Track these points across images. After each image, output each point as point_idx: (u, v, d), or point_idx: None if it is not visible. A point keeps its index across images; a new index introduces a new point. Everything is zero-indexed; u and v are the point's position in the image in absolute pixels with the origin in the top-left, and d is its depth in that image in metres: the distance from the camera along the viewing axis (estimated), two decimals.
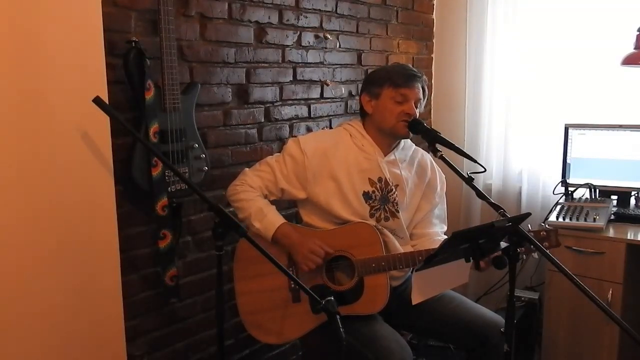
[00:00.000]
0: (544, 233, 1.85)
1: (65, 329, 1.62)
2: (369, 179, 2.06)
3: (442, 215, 2.24)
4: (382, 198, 2.07)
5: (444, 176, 2.24)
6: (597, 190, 2.75)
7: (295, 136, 2.18)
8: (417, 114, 2.04)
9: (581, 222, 2.48)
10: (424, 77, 2.08)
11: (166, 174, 1.91)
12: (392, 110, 2.01)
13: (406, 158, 2.15)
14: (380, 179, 2.06)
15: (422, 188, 2.17)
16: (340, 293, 1.98)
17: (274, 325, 2.03)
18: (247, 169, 2.10)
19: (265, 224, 1.98)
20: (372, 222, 2.04)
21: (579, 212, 2.56)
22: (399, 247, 2.06)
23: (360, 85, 2.21)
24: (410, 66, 2.15)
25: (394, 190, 2.07)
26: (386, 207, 2.07)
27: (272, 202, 2.07)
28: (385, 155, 2.09)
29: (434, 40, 3.50)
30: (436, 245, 2.03)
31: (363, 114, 2.12)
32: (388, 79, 2.03)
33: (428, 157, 2.22)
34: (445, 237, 2.18)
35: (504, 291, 2.85)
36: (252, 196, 2.01)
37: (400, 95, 2.01)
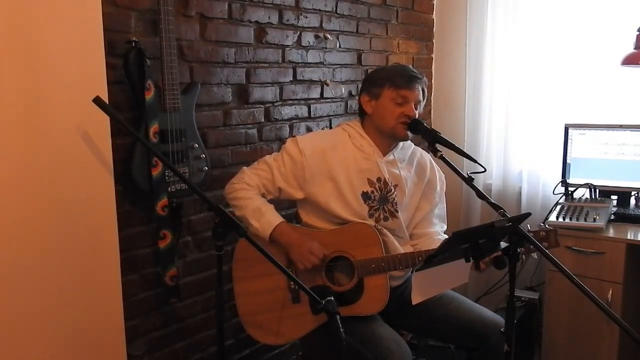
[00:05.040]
0: (544, 233, 1.85)
1: (65, 329, 1.62)
2: (368, 179, 2.06)
3: (442, 214, 2.24)
4: (381, 198, 2.07)
5: (443, 176, 2.24)
6: (597, 190, 2.76)
7: (294, 136, 2.18)
8: (417, 116, 2.03)
9: (581, 222, 2.48)
10: (424, 78, 2.07)
11: (166, 174, 1.91)
12: (392, 112, 2.01)
13: (405, 158, 2.15)
14: (379, 179, 2.06)
15: (421, 188, 2.17)
16: (340, 294, 1.98)
17: (274, 325, 2.02)
18: (245, 167, 2.09)
19: (262, 223, 1.97)
20: (372, 222, 2.04)
21: (579, 212, 2.56)
22: (398, 247, 2.06)
23: (360, 85, 2.21)
24: (411, 67, 2.15)
25: (393, 190, 2.07)
26: (385, 207, 2.07)
27: (271, 202, 2.07)
28: (384, 156, 2.09)
29: (434, 40, 3.50)
30: (436, 245, 2.03)
31: (362, 114, 2.12)
32: (388, 79, 2.02)
33: (427, 156, 2.22)
34: (446, 236, 2.18)
35: (504, 291, 2.85)
36: (250, 194, 2.01)
37: (401, 96, 2.01)
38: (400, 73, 2.03)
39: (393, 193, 2.07)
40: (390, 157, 2.10)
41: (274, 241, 1.98)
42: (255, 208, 1.98)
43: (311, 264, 1.94)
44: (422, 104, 2.07)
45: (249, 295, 2.04)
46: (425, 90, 2.08)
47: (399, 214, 2.08)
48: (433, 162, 2.22)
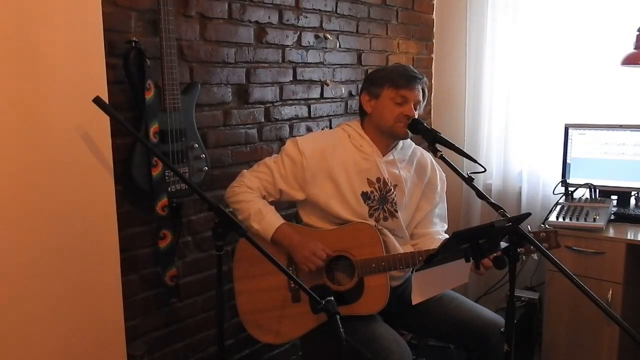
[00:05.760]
0: (544, 234, 1.85)
1: (65, 329, 1.62)
2: (368, 179, 2.06)
3: (442, 214, 2.24)
4: (380, 198, 2.07)
5: (444, 175, 2.24)
6: (597, 190, 2.76)
7: (293, 137, 2.18)
8: (416, 116, 2.03)
9: (581, 222, 2.48)
10: (425, 78, 2.07)
11: (166, 174, 1.91)
12: (391, 111, 2.01)
13: (405, 158, 2.15)
14: (378, 179, 2.06)
15: (421, 187, 2.17)
16: (340, 293, 1.98)
17: (274, 325, 2.03)
18: (245, 170, 2.10)
19: (263, 226, 1.97)
20: (372, 222, 2.04)
21: (579, 212, 2.56)
22: (398, 247, 2.06)
23: (360, 85, 2.21)
24: (411, 67, 2.15)
25: (392, 190, 2.07)
26: (385, 207, 2.07)
27: (271, 203, 2.07)
28: (383, 156, 2.09)
29: (434, 40, 3.50)
30: (437, 244, 2.03)
31: (362, 113, 2.12)
32: (389, 79, 2.02)
33: (428, 156, 2.22)
34: (446, 236, 2.18)
35: (504, 291, 2.85)
36: (251, 197, 2.01)
37: (400, 96, 2.01)
38: (401, 73, 2.03)
39: (392, 193, 2.07)
40: (389, 157, 2.10)
41: (276, 243, 1.98)
42: (256, 210, 1.98)
43: (315, 266, 1.95)
44: (423, 104, 2.07)
45: (249, 294, 2.04)
46: (426, 90, 2.08)
47: (398, 214, 2.08)
48: (434, 161, 2.22)
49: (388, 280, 1.98)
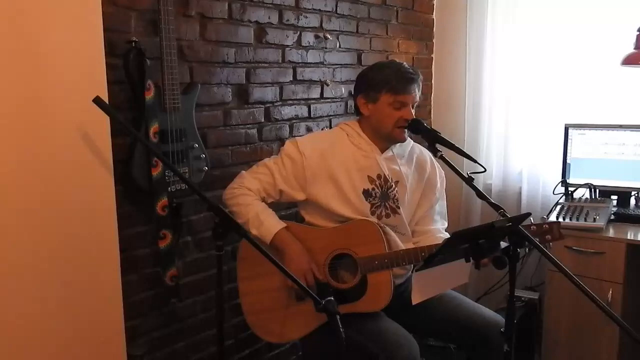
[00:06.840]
0: (547, 226, 1.85)
1: (65, 329, 1.62)
2: (368, 176, 2.06)
3: (442, 211, 2.25)
4: (382, 195, 2.07)
5: (443, 172, 2.24)
6: (597, 190, 2.75)
7: (293, 137, 2.18)
8: (414, 116, 2.04)
9: (581, 222, 2.48)
10: (420, 76, 2.07)
11: (166, 174, 1.91)
12: (390, 116, 2.01)
13: (404, 154, 2.15)
14: (379, 176, 2.06)
15: (422, 185, 2.17)
16: (343, 291, 1.98)
17: (277, 324, 2.02)
18: (244, 171, 2.09)
19: (262, 232, 1.97)
20: (374, 219, 2.04)
21: (579, 212, 2.56)
22: (400, 244, 2.06)
23: (355, 84, 2.18)
24: (406, 65, 2.09)
25: (394, 186, 2.07)
26: (387, 203, 2.07)
27: (271, 204, 2.07)
28: (382, 152, 2.09)
29: (434, 40, 3.50)
30: (438, 242, 2.03)
31: (358, 114, 2.12)
32: (386, 83, 2.00)
33: (427, 153, 2.21)
34: (447, 234, 2.18)
35: (504, 291, 2.85)
36: (250, 200, 2.00)
37: (398, 101, 2.00)
38: (397, 77, 2.01)
39: (394, 189, 2.07)
40: (389, 153, 2.10)
41: (274, 248, 1.98)
42: (254, 215, 1.98)
43: (306, 283, 1.94)
44: (418, 98, 2.07)
45: (254, 294, 2.04)
46: (421, 85, 2.07)
47: (400, 210, 2.08)
48: (433, 158, 2.21)
49: (391, 277, 1.98)
